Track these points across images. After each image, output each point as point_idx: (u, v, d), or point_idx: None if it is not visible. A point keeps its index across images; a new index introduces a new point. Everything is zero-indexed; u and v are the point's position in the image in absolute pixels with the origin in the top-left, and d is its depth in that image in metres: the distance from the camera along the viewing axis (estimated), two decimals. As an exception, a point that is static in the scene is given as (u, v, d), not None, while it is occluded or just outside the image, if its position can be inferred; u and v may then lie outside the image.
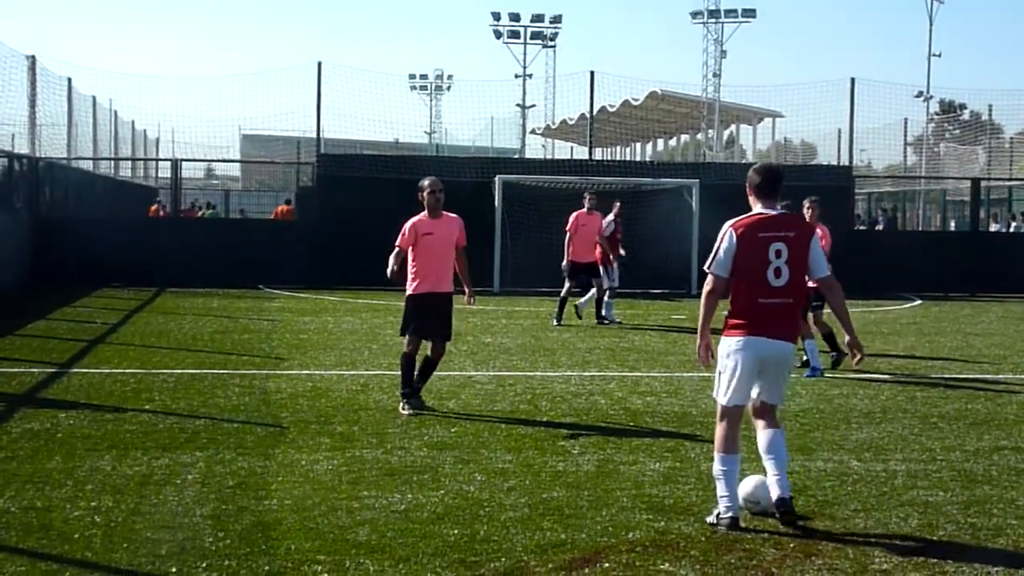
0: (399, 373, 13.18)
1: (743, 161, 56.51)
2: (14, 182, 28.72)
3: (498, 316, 24.37)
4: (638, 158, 75.01)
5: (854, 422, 12.65)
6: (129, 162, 49.95)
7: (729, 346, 8.56)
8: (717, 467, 8.49)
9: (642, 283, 29.59)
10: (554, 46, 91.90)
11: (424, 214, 13.07)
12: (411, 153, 43.32)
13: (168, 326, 20.96)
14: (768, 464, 8.50)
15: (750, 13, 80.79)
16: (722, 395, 8.62)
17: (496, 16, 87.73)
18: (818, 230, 16.99)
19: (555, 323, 22.60)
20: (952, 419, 12.93)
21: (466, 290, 13.56)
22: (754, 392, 8.67)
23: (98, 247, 29.99)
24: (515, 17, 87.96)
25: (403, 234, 12.96)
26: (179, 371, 15.51)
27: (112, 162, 45.51)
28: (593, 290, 23.03)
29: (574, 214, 22.84)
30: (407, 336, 13.04)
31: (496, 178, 31.51)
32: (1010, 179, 44.12)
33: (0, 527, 8.02)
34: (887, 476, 10.07)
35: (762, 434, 8.62)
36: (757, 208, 8.71)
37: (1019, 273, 33.94)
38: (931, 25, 67.22)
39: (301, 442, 11.04)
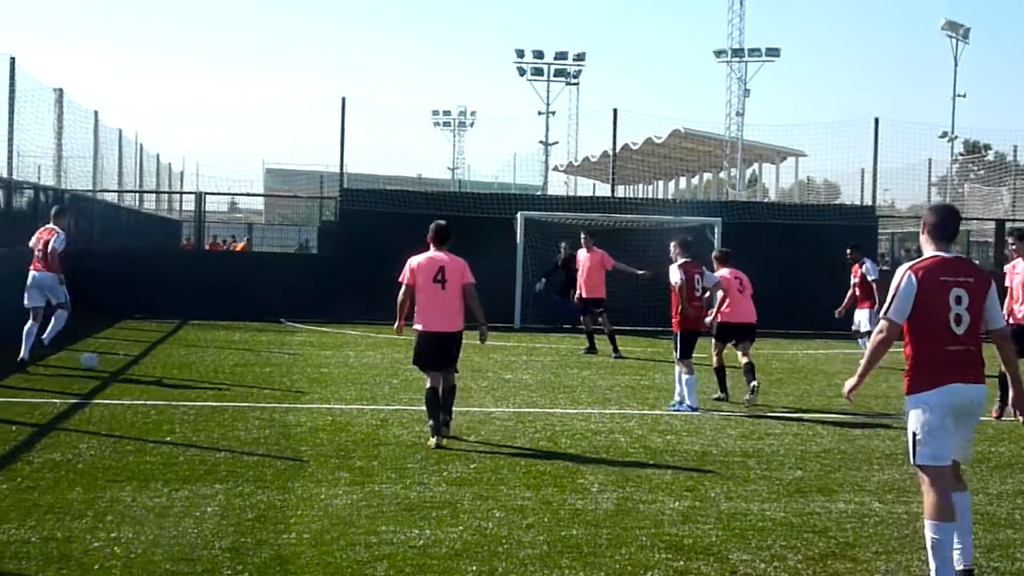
0: (421, 408, 13.30)
1: (765, 200, 56.44)
2: (40, 214, 28.82)
3: (519, 352, 24.35)
4: (660, 196, 74.98)
5: (876, 463, 12.60)
6: (154, 195, 50.15)
7: (920, 401, 7.90)
8: (928, 536, 7.82)
9: (663, 320, 29.55)
10: (577, 83, 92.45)
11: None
12: (434, 189, 43.40)
13: (190, 358, 21.00)
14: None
15: (774, 52, 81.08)
16: (921, 455, 7.90)
17: (520, 53, 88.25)
18: (732, 274, 17.26)
19: (613, 356, 23.80)
20: (975, 462, 12.85)
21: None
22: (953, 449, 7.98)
23: (121, 279, 30.10)
24: (539, 54, 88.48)
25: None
26: (200, 404, 15.53)
27: (137, 195, 45.70)
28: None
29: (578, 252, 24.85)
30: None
31: (518, 215, 31.53)
32: (1034, 220, 43.95)
33: (20, 557, 8.04)
34: (909, 518, 10.02)
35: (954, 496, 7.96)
36: (930, 250, 8.14)
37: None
38: (956, 65, 67.50)
39: (320, 476, 11.05)
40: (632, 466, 12.07)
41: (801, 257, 31.57)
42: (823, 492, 11.00)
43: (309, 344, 24.68)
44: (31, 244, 19.88)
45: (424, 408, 13.66)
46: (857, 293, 23.48)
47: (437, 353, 13.44)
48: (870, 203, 35.60)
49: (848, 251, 23.83)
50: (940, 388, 7.79)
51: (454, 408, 13.65)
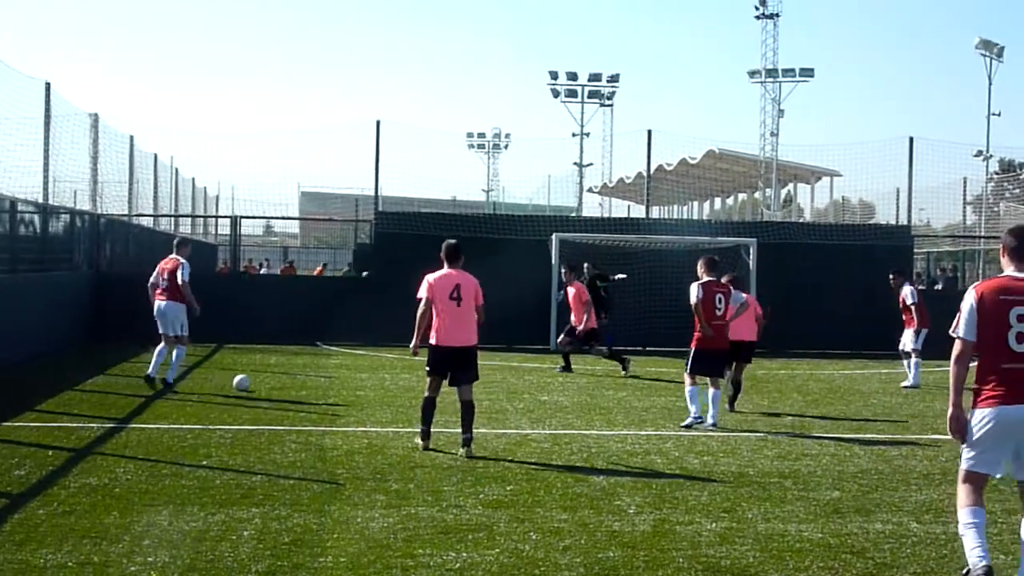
0: (455, 431, 13.46)
1: (800, 220, 56.26)
2: (76, 238, 29.01)
3: (555, 374, 24.33)
4: (695, 216, 74.86)
5: (913, 483, 12.52)
6: (189, 219, 50.43)
7: (975, 417, 8.19)
8: (962, 522, 8.23)
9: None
10: (611, 105, 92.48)
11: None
12: (468, 211, 43.47)
13: (226, 381, 21.04)
14: None
15: (808, 72, 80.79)
16: (964, 458, 8.34)
17: (554, 75, 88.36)
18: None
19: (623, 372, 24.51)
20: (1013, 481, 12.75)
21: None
22: (1012, 469, 8.23)
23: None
24: (572, 76, 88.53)
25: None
26: (236, 427, 15.57)
27: (172, 219, 45.95)
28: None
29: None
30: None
31: (553, 236, 31.52)
32: (1071, 238, 43.57)
33: (57, 581, 8.06)
34: (947, 539, 9.95)
35: None
36: (1009, 271, 8.33)
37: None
38: (990, 84, 67.16)
39: (356, 499, 11.05)
40: (669, 487, 12.02)
41: (837, 277, 31.49)
42: (860, 513, 10.93)
43: (345, 367, 24.73)
44: (153, 276, 20.46)
45: (420, 415, 14.49)
46: (904, 316, 24.24)
47: (453, 366, 14.12)
48: (905, 222, 35.44)
49: (891, 277, 24.56)
50: (994, 408, 8.05)
51: (485, 429, 13.65)
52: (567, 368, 25.15)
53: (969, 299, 8.25)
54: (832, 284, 31.33)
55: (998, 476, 8.48)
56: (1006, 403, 8.00)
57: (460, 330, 14.04)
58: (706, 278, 17.23)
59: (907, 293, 24.03)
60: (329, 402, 18.60)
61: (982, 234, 50.48)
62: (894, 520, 10.68)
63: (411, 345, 14.55)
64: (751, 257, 31.38)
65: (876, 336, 30.88)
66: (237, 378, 19.89)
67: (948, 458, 14.21)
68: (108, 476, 11.85)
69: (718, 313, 17.18)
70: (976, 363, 8.25)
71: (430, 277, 14.20)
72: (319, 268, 53.38)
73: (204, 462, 12.82)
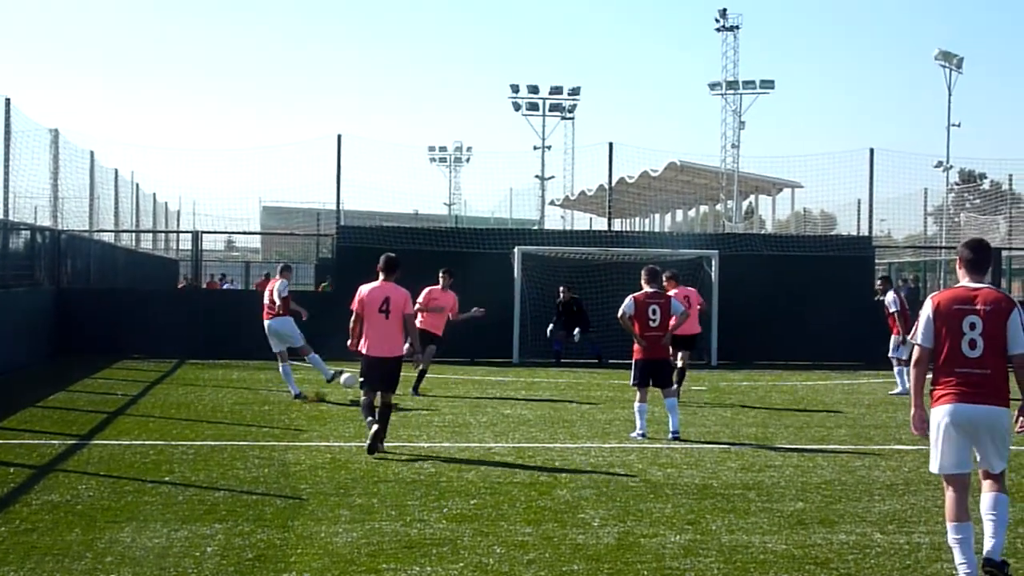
0: (418, 445, 13.36)
1: (762, 232, 56.48)
2: (37, 254, 28.85)
3: (518, 387, 24.33)
4: (657, 229, 75.05)
5: (877, 494, 12.57)
6: (150, 234, 50.20)
7: (934, 416, 8.93)
8: (949, 536, 8.89)
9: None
10: (573, 118, 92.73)
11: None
12: (430, 225, 43.44)
13: (188, 398, 20.97)
14: (985, 523, 8.87)
15: (768, 84, 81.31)
16: (932, 463, 9.03)
17: (515, 88, 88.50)
18: (681, 293, 18.74)
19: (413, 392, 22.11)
20: (976, 490, 12.83)
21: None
22: (977, 459, 8.96)
23: (119, 319, 30.14)
24: (534, 89, 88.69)
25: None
26: (199, 443, 15.50)
27: (133, 234, 45.73)
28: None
29: (427, 289, 22.77)
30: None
31: (515, 249, 31.54)
32: (1031, 248, 43.94)
33: (19, 600, 8.01)
34: (911, 549, 10.00)
35: (984, 495, 8.94)
36: (964, 281, 9.05)
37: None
38: (950, 95, 67.68)
39: (320, 514, 11.02)
40: (633, 500, 12.04)
41: (799, 288, 31.60)
42: (824, 524, 10.97)
43: (308, 381, 24.63)
44: (265, 299, 22.37)
45: (360, 413, 15.89)
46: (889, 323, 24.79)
47: (379, 376, 15.12)
48: (867, 233, 35.58)
49: (878, 284, 25.56)
50: (947, 406, 8.83)
51: (448, 443, 13.62)
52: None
53: (927, 309, 8.99)
54: (794, 295, 31.44)
55: (960, 471, 8.93)
56: (960, 402, 8.75)
57: (386, 342, 15.12)
58: (646, 288, 17.43)
59: (889, 301, 24.44)
60: (292, 417, 18.54)
61: (943, 244, 50.84)
62: (858, 531, 10.72)
63: (348, 343, 15.60)
64: (713, 269, 31.48)
65: (839, 347, 31.07)
66: (344, 375, 20.27)
67: (911, 468, 14.29)
68: (70, 493, 11.77)
69: (652, 324, 17.26)
70: (933, 367, 8.95)
71: (363, 289, 15.30)
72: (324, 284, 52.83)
73: (167, 478, 12.75)
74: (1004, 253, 40.73)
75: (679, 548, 9.87)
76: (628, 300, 17.32)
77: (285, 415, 18.75)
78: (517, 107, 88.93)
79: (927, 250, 50.19)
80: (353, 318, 15.32)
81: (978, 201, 58.23)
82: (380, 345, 15.07)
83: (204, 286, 40.61)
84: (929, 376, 8.94)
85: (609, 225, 38.76)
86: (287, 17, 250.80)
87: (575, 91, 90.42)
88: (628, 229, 61.50)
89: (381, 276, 15.39)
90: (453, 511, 11.25)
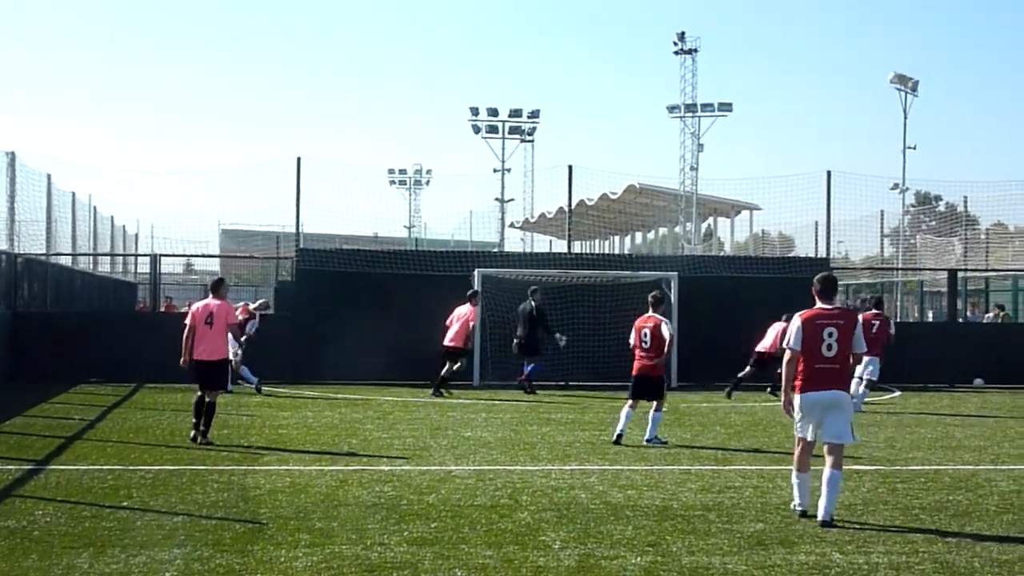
0: (381, 468, 13.25)
1: (721, 254, 56.69)
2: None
3: (478, 410, 24.31)
4: (617, 251, 75.18)
5: (835, 514, 12.60)
6: (108, 257, 49.95)
7: (797, 400, 12.36)
8: (793, 480, 12.68)
9: (622, 376, 29.59)
10: (532, 140, 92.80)
11: None
12: (390, 247, 43.39)
13: (146, 422, 20.85)
14: (823, 491, 12.09)
15: (726, 107, 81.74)
16: (796, 428, 12.52)
17: (475, 111, 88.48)
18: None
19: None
20: (933, 510, 12.92)
21: None
22: (821, 432, 12.31)
23: (76, 343, 29.97)
24: (493, 112, 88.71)
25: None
26: (157, 467, 15.41)
27: (91, 258, 45.47)
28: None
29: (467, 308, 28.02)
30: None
31: (476, 272, 31.56)
32: (986, 270, 44.27)
33: (-25, 627, 7.93)
34: (869, 569, 10.04)
35: (825, 470, 12.18)
36: (819, 304, 12.50)
37: (998, 363, 34.12)
38: (905, 118, 68.11)
39: (280, 538, 10.96)
40: (593, 522, 12.04)
41: (757, 310, 31.67)
42: (784, 544, 11.01)
43: (267, 405, 24.56)
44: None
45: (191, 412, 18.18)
46: None
47: (205, 376, 18.29)
48: (824, 255, 35.76)
49: (859, 303, 26.20)
50: (808, 393, 12.26)
51: (409, 466, 13.56)
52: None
53: (796, 322, 12.36)
54: (753, 317, 31.50)
55: (810, 439, 12.29)
56: (814, 390, 12.20)
57: (209, 346, 18.40)
58: (652, 312, 19.20)
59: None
60: (251, 441, 18.47)
61: (899, 266, 51.23)
62: (817, 551, 10.75)
63: (181, 361, 18.52)
64: (672, 291, 31.55)
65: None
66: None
67: (869, 488, 14.36)
68: (27, 519, 11.68)
69: (644, 345, 18.93)
70: (799, 365, 12.27)
71: (195, 306, 18.88)
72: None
73: (125, 503, 12.67)
74: (960, 274, 41.07)
75: (640, 570, 9.88)
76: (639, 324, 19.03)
77: (244, 439, 18.67)
78: (477, 130, 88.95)
79: (884, 271, 50.53)
80: (186, 332, 18.40)
81: (934, 223, 58.70)
82: (204, 350, 18.32)
83: (162, 309, 40.32)
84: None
85: (569, 247, 38.83)
86: (246, 39, 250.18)
87: (535, 114, 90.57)
88: (588, 251, 61.45)
89: (210, 295, 18.93)
90: (414, 534, 11.22)
